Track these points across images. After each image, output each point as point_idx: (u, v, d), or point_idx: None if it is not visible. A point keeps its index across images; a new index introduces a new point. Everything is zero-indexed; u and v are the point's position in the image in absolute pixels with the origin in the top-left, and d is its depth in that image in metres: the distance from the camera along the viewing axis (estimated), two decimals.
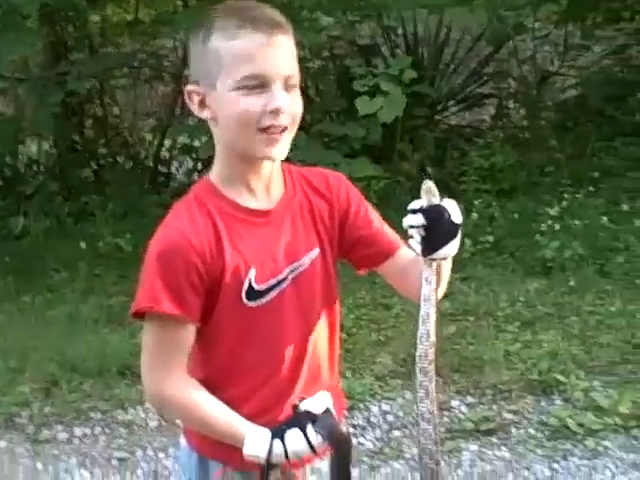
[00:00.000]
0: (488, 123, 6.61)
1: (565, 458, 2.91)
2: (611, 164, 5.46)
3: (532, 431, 3.05)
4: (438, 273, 1.41)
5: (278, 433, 1.38)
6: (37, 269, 4.62)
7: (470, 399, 3.25)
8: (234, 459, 1.43)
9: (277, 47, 1.37)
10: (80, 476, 2.95)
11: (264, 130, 1.36)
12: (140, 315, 1.39)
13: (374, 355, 3.53)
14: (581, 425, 3.02)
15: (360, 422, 3.16)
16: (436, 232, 1.38)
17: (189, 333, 1.41)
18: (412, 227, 1.38)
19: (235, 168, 1.43)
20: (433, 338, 1.38)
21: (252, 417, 1.42)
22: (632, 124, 6.00)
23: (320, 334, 1.50)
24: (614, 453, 2.90)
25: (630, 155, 5.53)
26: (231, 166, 1.43)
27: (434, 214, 1.37)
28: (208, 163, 1.37)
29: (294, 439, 1.37)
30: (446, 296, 4.02)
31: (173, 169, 6.20)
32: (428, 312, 1.39)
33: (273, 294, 1.43)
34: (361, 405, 3.23)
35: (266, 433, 1.38)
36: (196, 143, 5.61)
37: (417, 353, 1.38)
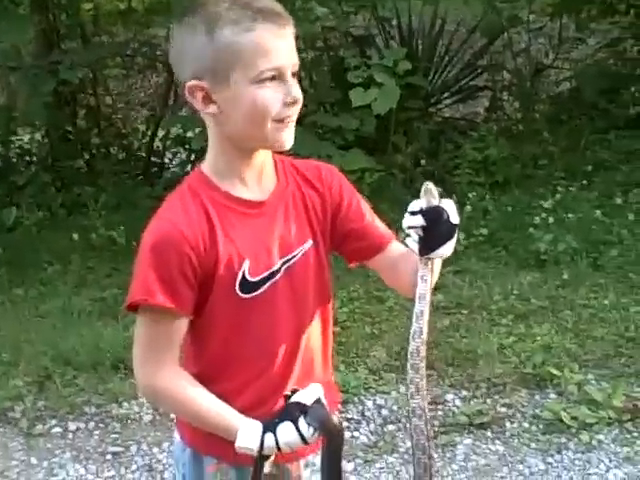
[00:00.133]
0: (482, 116, 6.60)
1: (559, 452, 2.92)
2: (605, 157, 5.47)
3: (526, 425, 3.07)
4: (433, 271, 1.43)
5: (270, 426, 1.38)
6: (30, 261, 4.59)
7: (464, 393, 3.26)
8: (227, 454, 1.44)
9: (288, 38, 1.37)
10: (74, 470, 2.95)
11: (279, 121, 1.37)
12: (134, 307, 1.39)
13: (368, 348, 3.53)
14: (575, 419, 3.03)
15: (354, 416, 3.17)
16: (434, 233, 1.40)
17: (182, 326, 1.41)
18: (411, 227, 1.40)
19: (229, 160, 1.42)
20: (425, 335, 1.40)
21: (245, 410, 1.42)
22: (626, 117, 6.01)
23: (313, 327, 1.50)
24: (608, 447, 2.92)
25: (623, 148, 5.55)
26: (225, 158, 1.42)
27: (433, 215, 1.39)
28: (201, 154, 1.37)
29: (286, 431, 1.37)
30: (440, 289, 4.05)
31: (166, 160, 6.17)
32: (422, 310, 1.41)
33: (266, 286, 1.43)
34: (355, 399, 3.24)
35: (258, 426, 1.39)
36: (189, 134, 5.59)
37: (409, 350, 1.40)
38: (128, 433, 3.12)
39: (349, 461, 2.93)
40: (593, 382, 3.23)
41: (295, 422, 1.37)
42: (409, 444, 2.91)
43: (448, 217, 1.40)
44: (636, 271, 4.08)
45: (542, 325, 3.63)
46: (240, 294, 1.41)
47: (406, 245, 1.44)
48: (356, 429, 3.10)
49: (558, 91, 6.82)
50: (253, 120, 1.37)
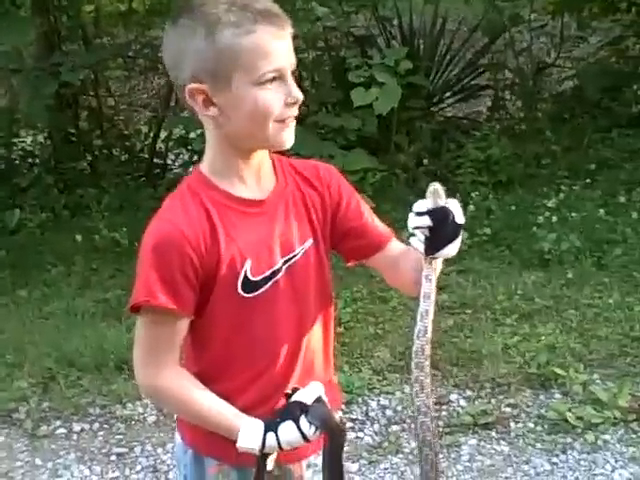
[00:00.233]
0: (484, 115, 6.59)
1: (565, 452, 2.91)
2: (608, 156, 5.46)
3: (531, 425, 3.06)
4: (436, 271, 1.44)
5: (271, 425, 1.39)
6: (33, 263, 4.59)
7: (469, 393, 3.25)
8: (229, 455, 1.44)
9: (287, 39, 1.38)
10: (79, 471, 2.94)
11: (281, 121, 1.38)
12: (136, 309, 1.39)
13: (372, 349, 3.52)
14: (580, 419, 3.02)
15: (359, 416, 3.16)
16: (440, 233, 1.40)
17: (183, 326, 1.41)
18: (417, 228, 1.40)
19: (228, 159, 1.42)
20: (430, 334, 1.41)
21: (247, 409, 1.42)
22: (628, 115, 6.01)
23: (314, 326, 1.50)
24: (614, 447, 2.91)
25: (627, 147, 5.54)
26: (224, 158, 1.42)
27: (440, 216, 1.40)
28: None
29: (287, 430, 1.38)
30: (443, 289, 4.04)
31: (169, 161, 6.16)
32: (427, 309, 1.42)
33: (268, 285, 1.43)
34: (359, 399, 3.23)
35: (260, 425, 1.39)
36: (192, 135, 5.58)
37: (414, 348, 1.41)
38: (132, 434, 3.11)
39: (353, 462, 2.92)
40: (598, 382, 3.22)
41: (296, 421, 1.37)
42: (414, 445, 2.96)
43: (454, 217, 1.41)
44: None
45: (546, 325, 3.62)
46: (242, 294, 1.41)
47: (409, 244, 1.45)
48: (360, 430, 3.10)
49: (560, 90, 6.81)
50: (255, 121, 1.37)
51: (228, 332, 1.44)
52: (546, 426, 3.04)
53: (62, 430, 3.17)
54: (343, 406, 3.19)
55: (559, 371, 3.25)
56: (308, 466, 1.55)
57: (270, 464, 1.42)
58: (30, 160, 6.02)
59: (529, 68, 6.48)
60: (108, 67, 6.53)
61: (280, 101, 1.37)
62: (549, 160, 5.48)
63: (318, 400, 1.40)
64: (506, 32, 6.25)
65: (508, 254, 4.39)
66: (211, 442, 1.46)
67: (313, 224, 1.50)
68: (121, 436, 3.12)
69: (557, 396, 3.18)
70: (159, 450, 3.01)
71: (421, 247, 1.42)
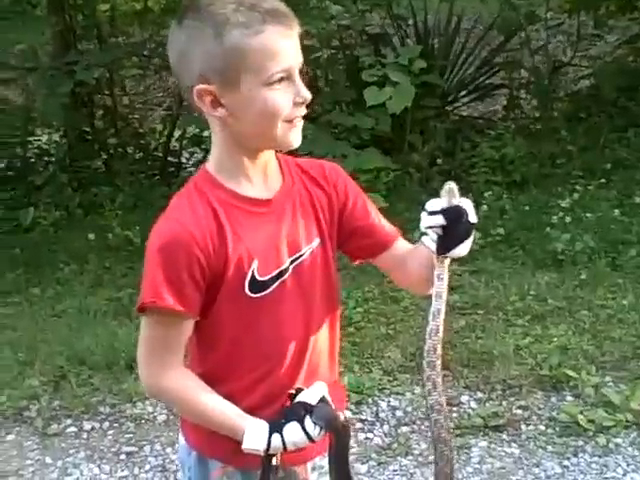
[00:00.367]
0: (499, 114, 6.55)
1: (576, 455, 2.89)
2: (624, 155, 5.41)
3: (542, 427, 3.04)
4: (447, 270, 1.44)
5: (276, 426, 1.38)
6: (47, 261, 4.61)
7: (479, 394, 3.23)
8: (233, 457, 1.44)
9: (294, 38, 1.37)
10: (88, 470, 2.96)
11: (289, 121, 1.37)
12: (143, 309, 1.39)
13: (383, 349, 3.51)
14: (592, 421, 2.99)
15: (368, 417, 3.15)
16: (453, 232, 1.41)
17: (189, 327, 1.41)
18: (430, 227, 1.40)
19: (234, 159, 1.42)
20: (441, 333, 1.42)
21: (252, 410, 1.42)
22: None
23: (321, 326, 1.50)
24: (626, 450, 2.89)
25: None
26: (230, 157, 1.42)
27: (454, 215, 1.40)
28: None
29: (292, 431, 1.38)
30: (456, 289, 4.02)
31: (183, 160, 6.18)
32: (439, 308, 1.43)
33: (275, 285, 1.43)
34: (369, 400, 3.22)
35: (264, 426, 1.39)
36: (206, 133, 5.59)
37: (425, 347, 1.42)
38: (142, 433, 3.12)
39: (363, 463, 2.91)
40: (610, 384, 3.19)
41: (301, 421, 1.38)
42: (423, 446, 2.95)
43: (467, 217, 1.41)
44: None
45: (559, 326, 3.59)
46: (249, 294, 1.41)
47: (420, 243, 1.45)
48: (370, 431, 3.09)
49: (576, 89, 6.76)
50: (264, 122, 1.36)
51: (234, 332, 1.43)
52: (557, 429, 3.01)
53: (72, 429, 3.18)
54: (352, 407, 3.19)
55: (571, 373, 3.22)
56: (313, 468, 1.55)
57: (274, 462, 1.41)
58: (45, 158, 6.06)
59: (545, 67, 6.44)
60: (123, 66, 6.55)
61: (289, 101, 1.36)
62: (564, 160, 5.44)
63: (322, 400, 1.40)
64: (522, 30, 6.21)
65: (521, 254, 4.35)
66: (215, 444, 1.45)
67: (320, 224, 1.49)
68: (131, 435, 3.13)
69: (569, 398, 3.15)
70: (168, 449, 3.01)
71: (433, 246, 1.42)
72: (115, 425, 3.19)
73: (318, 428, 1.38)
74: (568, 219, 4.53)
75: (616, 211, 4.61)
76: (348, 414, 3.12)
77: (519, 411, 3.12)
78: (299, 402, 1.40)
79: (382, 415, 3.16)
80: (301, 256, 1.46)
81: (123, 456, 3.02)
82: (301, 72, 1.40)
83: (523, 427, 3.05)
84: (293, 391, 1.43)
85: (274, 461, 1.41)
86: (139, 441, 3.09)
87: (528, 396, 3.18)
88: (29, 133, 6.05)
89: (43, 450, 3.06)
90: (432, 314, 1.42)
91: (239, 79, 1.33)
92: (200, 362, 1.47)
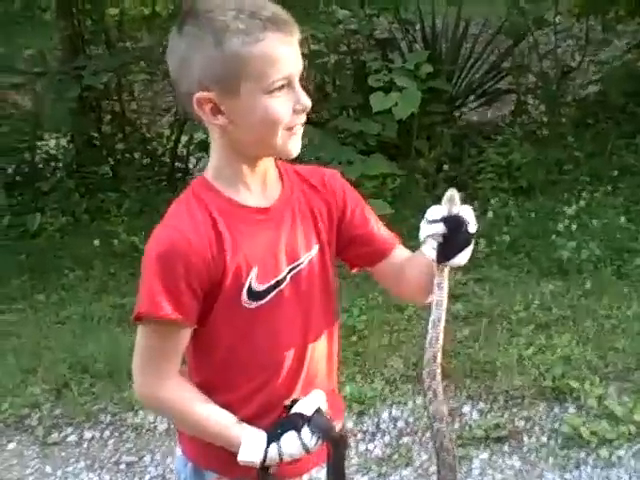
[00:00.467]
0: (507, 119, 6.52)
1: (578, 467, 2.86)
2: (631, 162, 5.37)
3: (544, 439, 3.01)
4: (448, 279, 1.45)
5: (274, 437, 1.38)
6: (52, 267, 4.63)
7: (481, 405, 3.21)
8: (229, 469, 1.43)
9: (295, 45, 1.37)
10: (88, 479, 2.96)
11: (289, 129, 1.37)
12: (139, 318, 1.38)
13: (385, 359, 3.49)
14: (594, 433, 2.96)
15: (370, 428, 3.14)
16: (454, 241, 1.40)
17: (185, 336, 1.40)
18: (431, 236, 1.40)
19: (233, 166, 1.41)
20: (441, 342, 1.43)
21: (249, 421, 1.41)
22: None
23: (319, 336, 1.49)
24: (628, 463, 2.85)
25: None
26: (229, 164, 1.41)
27: (454, 224, 1.40)
28: None
29: (290, 442, 1.37)
30: (459, 298, 3.99)
31: (190, 165, 6.18)
32: (439, 317, 1.43)
33: (273, 294, 1.42)
34: (371, 410, 3.21)
35: (262, 437, 1.38)
36: None
37: (425, 357, 1.43)
38: (142, 443, 3.12)
39: (363, 474, 2.91)
40: (614, 396, 3.16)
41: (299, 432, 1.37)
42: (424, 457, 2.93)
43: (467, 225, 1.40)
44: None
45: (563, 336, 3.56)
46: (247, 303, 1.40)
47: (421, 252, 1.44)
48: (371, 441, 3.08)
49: (584, 94, 6.72)
50: (264, 129, 1.36)
51: (231, 341, 1.42)
52: (559, 440, 2.99)
53: (73, 437, 3.19)
54: (354, 417, 3.18)
55: (574, 384, 3.19)
56: None
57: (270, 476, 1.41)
58: (53, 164, 6.07)
59: (553, 72, 6.40)
60: (131, 71, 6.56)
61: (289, 109, 1.36)
62: (571, 166, 5.40)
63: (318, 411, 1.40)
64: (530, 35, 6.18)
65: (527, 262, 4.33)
66: (211, 455, 1.45)
67: (319, 232, 1.49)
68: (131, 444, 3.13)
69: (571, 410, 3.13)
70: (168, 459, 3.01)
71: (433, 254, 1.41)
72: (116, 434, 3.19)
73: (315, 438, 1.38)
74: (574, 226, 4.50)
75: (622, 218, 4.58)
76: (349, 424, 3.12)
77: (521, 422, 3.10)
78: (296, 412, 1.40)
79: (383, 426, 3.15)
80: (299, 265, 1.45)
81: (123, 466, 3.02)
82: (302, 79, 1.39)
83: (525, 439, 3.02)
84: (288, 402, 1.42)
85: (270, 472, 1.40)
86: (139, 450, 3.09)
87: (530, 407, 3.16)
88: (37, 138, 6.06)
89: (43, 459, 3.07)
90: (432, 323, 1.43)
91: (239, 87, 1.33)
92: (197, 371, 1.46)
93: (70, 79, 5.33)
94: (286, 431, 1.38)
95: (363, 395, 3.24)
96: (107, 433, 3.20)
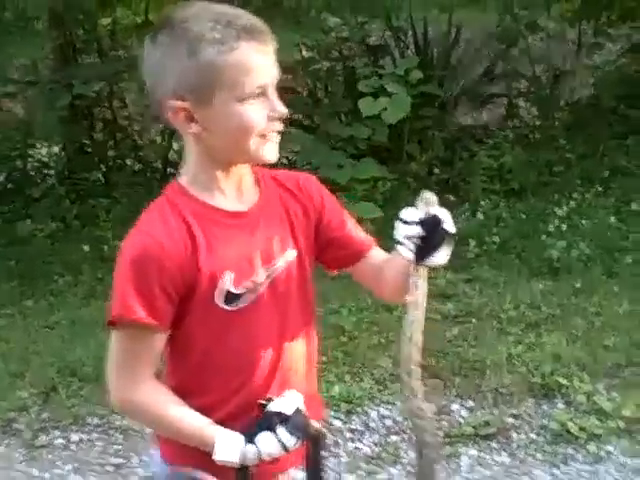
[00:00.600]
0: (499, 123, 6.53)
1: (566, 463, 2.85)
2: (622, 163, 5.38)
3: (533, 436, 3.00)
4: (426, 279, 1.44)
5: (250, 437, 1.37)
6: (42, 273, 4.62)
7: (471, 403, 3.20)
8: (206, 470, 1.42)
9: (270, 54, 1.37)
10: None
11: (263, 136, 1.37)
12: (113, 323, 1.37)
13: (374, 358, 3.48)
14: (583, 429, 2.96)
15: (358, 427, 3.13)
16: (431, 242, 1.40)
17: (160, 341, 1.39)
18: (408, 237, 1.40)
19: (208, 172, 1.41)
20: (418, 342, 1.42)
21: (225, 423, 1.40)
22: None
23: (296, 339, 1.48)
24: (617, 458, 2.85)
25: None
26: (204, 170, 1.41)
27: (431, 225, 1.39)
28: None
29: (267, 442, 1.36)
30: (450, 298, 3.98)
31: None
32: (416, 317, 1.43)
33: (248, 298, 1.41)
34: (359, 409, 3.19)
35: (238, 438, 1.37)
36: None
37: (402, 356, 1.43)
38: (130, 445, 3.10)
39: (351, 473, 2.89)
40: (603, 392, 3.15)
41: (275, 431, 1.36)
42: (412, 455, 2.89)
43: (443, 226, 1.40)
44: None
45: (552, 334, 3.55)
46: (222, 306, 1.39)
47: (398, 253, 1.43)
48: (359, 440, 3.06)
49: (577, 98, 6.73)
50: (238, 136, 1.36)
51: (207, 344, 1.41)
52: (548, 437, 2.98)
53: (60, 440, 3.17)
54: (342, 416, 3.17)
55: (563, 381, 3.19)
56: None
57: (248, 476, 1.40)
58: (45, 171, 6.08)
59: (546, 76, 6.42)
60: (123, 79, 6.57)
61: (263, 116, 1.36)
62: (562, 168, 5.41)
63: (296, 410, 1.39)
64: (523, 39, 6.20)
65: (517, 262, 4.32)
66: (187, 456, 1.43)
67: (296, 236, 1.48)
68: (119, 446, 3.11)
69: (560, 406, 3.12)
70: None
71: (411, 256, 1.41)
72: (104, 437, 3.17)
73: (294, 438, 1.36)
74: (564, 227, 4.50)
75: (613, 218, 4.58)
76: (337, 423, 3.11)
77: (510, 419, 3.09)
78: (273, 412, 1.39)
79: (372, 424, 3.13)
80: (276, 269, 1.44)
81: (110, 468, 3.00)
82: (285, 87, 1.39)
83: (514, 435, 3.01)
84: (263, 401, 1.41)
85: (249, 472, 1.39)
86: (127, 452, 3.07)
87: (519, 404, 3.15)
88: (29, 146, 6.07)
89: (30, 462, 3.05)
90: (409, 323, 1.42)
91: (213, 95, 1.33)
92: (173, 374, 1.45)
93: (61, 88, 5.35)
94: (263, 430, 1.37)
95: (352, 394, 3.24)
96: (95, 435, 3.18)
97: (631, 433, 2.93)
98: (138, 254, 1.34)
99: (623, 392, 3.12)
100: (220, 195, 1.41)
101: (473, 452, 2.95)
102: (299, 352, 1.49)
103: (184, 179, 1.43)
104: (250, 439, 1.36)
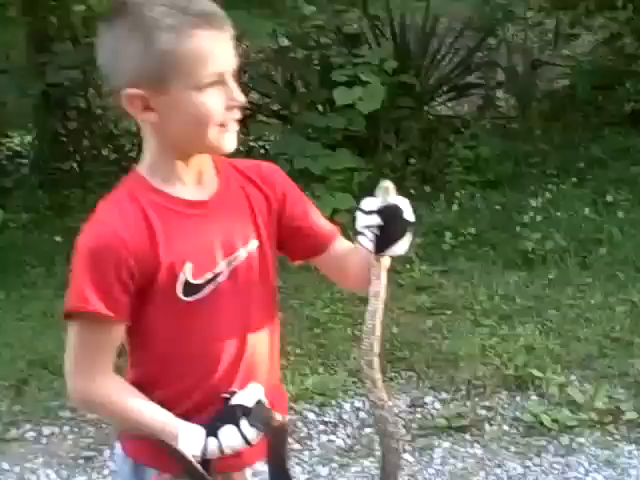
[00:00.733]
0: (476, 113, 6.53)
1: (539, 455, 2.87)
2: (598, 154, 5.40)
3: (506, 427, 3.01)
4: (387, 269, 1.44)
5: (212, 430, 1.35)
6: (14, 264, 4.56)
7: (444, 395, 3.21)
8: (170, 465, 1.39)
9: (228, 41, 1.34)
10: (45, 476, 2.91)
11: (222, 125, 1.35)
12: (71, 316, 1.35)
13: (348, 350, 3.47)
14: (556, 421, 2.97)
15: (332, 419, 3.12)
16: (390, 231, 1.39)
17: (118, 333, 1.37)
18: (367, 227, 1.38)
19: (167, 162, 1.38)
20: (378, 332, 1.42)
21: (188, 416, 1.38)
22: (621, 114, 5.94)
23: (259, 331, 1.46)
24: (588, 450, 2.87)
25: (617, 145, 5.48)
26: (163, 160, 1.38)
27: (390, 214, 1.38)
28: None
29: (228, 435, 1.35)
30: (425, 290, 3.97)
31: None
32: (376, 308, 1.42)
33: (209, 288, 1.39)
34: (333, 402, 3.19)
35: (199, 431, 1.35)
36: None
37: (363, 347, 1.42)
38: (102, 438, 3.07)
39: (324, 465, 2.89)
40: (576, 384, 3.17)
41: (238, 424, 1.34)
42: None
43: (403, 214, 1.39)
44: (624, 270, 4.02)
45: (526, 325, 3.57)
46: (182, 297, 1.37)
47: (359, 243, 1.42)
48: (333, 433, 3.06)
49: (554, 88, 6.75)
50: (195, 126, 1.33)
51: (168, 335, 1.40)
52: (521, 429, 2.99)
53: (32, 433, 3.13)
54: (316, 408, 3.16)
55: (536, 373, 3.20)
56: (254, 474, 1.51)
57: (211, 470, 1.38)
58: (18, 160, 6.00)
59: (523, 66, 6.42)
60: (97, 67, 6.49)
61: (221, 105, 1.33)
62: (539, 159, 5.43)
63: (259, 402, 1.38)
64: (500, 29, 6.20)
65: (492, 254, 4.34)
66: (151, 451, 1.41)
67: (257, 225, 1.46)
68: (90, 439, 3.08)
69: (533, 398, 3.13)
70: None
71: (370, 246, 1.40)
72: (75, 430, 3.14)
73: (255, 431, 1.35)
74: (539, 218, 4.51)
75: (587, 210, 4.60)
76: (311, 416, 3.10)
77: (483, 411, 3.09)
78: (235, 405, 1.37)
79: (345, 417, 3.13)
80: (236, 259, 1.42)
81: (81, 461, 2.97)
82: (234, 76, 1.37)
83: (487, 427, 3.02)
84: (227, 395, 1.40)
85: (210, 465, 1.38)
86: (99, 446, 3.04)
87: (493, 396, 3.16)
88: (1, 135, 5.99)
89: (1, 455, 3.01)
90: (370, 313, 1.42)
91: (169, 84, 1.30)
92: (136, 367, 1.44)
93: (33, 75, 5.28)
94: (225, 423, 1.35)
95: (325, 387, 3.23)
96: (66, 429, 3.15)
97: (603, 425, 2.95)
98: (94, 244, 1.33)
99: (595, 384, 3.13)
100: (179, 184, 1.39)
101: (446, 444, 2.95)
102: (263, 343, 1.47)
103: (143, 169, 1.40)
104: (212, 432, 1.35)
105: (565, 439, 2.90)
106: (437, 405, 3.15)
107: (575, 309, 3.69)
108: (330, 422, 3.11)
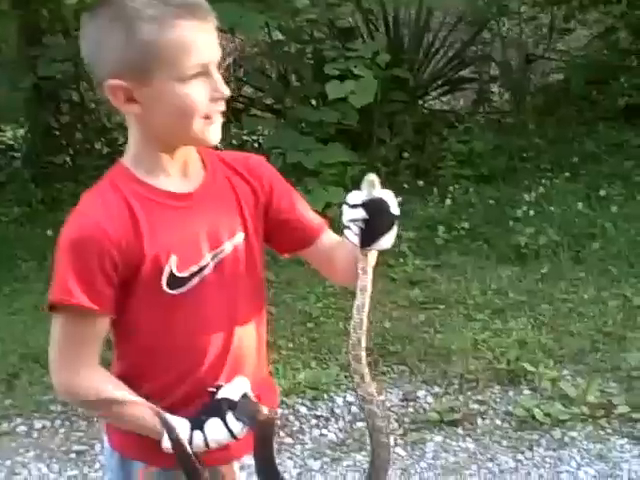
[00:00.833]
0: (470, 108, 6.53)
1: (531, 449, 2.86)
2: (592, 149, 5.40)
3: (498, 422, 3.01)
4: (373, 263, 1.43)
5: (197, 423, 1.35)
6: (5, 258, 4.54)
7: (436, 389, 3.20)
8: (156, 459, 1.40)
9: (212, 32, 1.33)
10: (37, 469, 2.90)
11: (206, 117, 1.33)
12: (54, 308, 1.34)
13: (340, 345, 3.46)
14: (548, 415, 2.97)
15: (324, 413, 3.11)
16: (375, 225, 1.38)
17: (103, 326, 1.36)
18: (352, 220, 1.38)
19: (152, 154, 1.38)
20: (365, 327, 1.42)
21: (174, 410, 1.38)
22: (615, 108, 5.94)
23: (246, 324, 1.46)
24: (580, 444, 2.86)
25: (611, 140, 5.48)
26: (148, 152, 1.38)
27: (375, 208, 1.37)
28: None
29: (214, 428, 1.35)
30: (418, 284, 3.96)
31: None
32: (363, 302, 1.42)
33: (195, 281, 1.38)
34: (325, 396, 3.18)
35: (185, 424, 1.35)
36: None
37: (350, 341, 1.42)
38: (93, 432, 3.06)
39: (316, 459, 2.88)
40: (568, 378, 3.17)
41: (223, 418, 1.34)
42: None
43: (388, 208, 1.38)
44: (617, 264, 4.02)
45: (519, 320, 3.57)
46: (167, 290, 1.36)
47: (345, 237, 1.41)
48: (325, 427, 3.05)
49: (548, 82, 6.75)
50: (179, 118, 1.32)
51: (153, 328, 1.39)
52: (513, 423, 2.99)
53: (23, 427, 3.12)
54: (308, 402, 3.16)
55: (529, 367, 3.20)
56: (242, 468, 1.51)
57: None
58: (10, 154, 5.98)
59: (517, 60, 6.42)
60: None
61: (205, 97, 1.32)
62: (533, 153, 5.43)
63: (244, 396, 1.38)
64: (494, 23, 6.19)
65: (485, 248, 4.33)
66: (137, 445, 1.41)
67: (244, 218, 1.45)
68: (82, 433, 3.07)
69: (526, 392, 3.13)
70: None
71: (356, 240, 1.39)
72: (67, 423, 3.13)
73: (241, 424, 1.35)
74: (532, 212, 4.51)
75: (581, 204, 4.60)
76: (303, 410, 3.10)
77: (476, 405, 3.09)
78: (221, 398, 1.37)
79: (337, 411, 3.12)
80: (222, 251, 1.41)
81: (73, 455, 2.96)
82: (218, 68, 1.36)
83: (479, 421, 3.02)
84: (214, 389, 1.39)
85: (197, 459, 1.37)
86: (90, 440, 3.03)
87: (485, 390, 3.15)
88: None
89: None
90: (357, 308, 1.41)
91: (152, 75, 1.29)
92: (120, 360, 1.43)
93: (25, 68, 5.25)
94: (210, 417, 1.35)
95: (318, 381, 3.22)
96: (58, 422, 3.13)
97: (595, 419, 2.95)
98: (77, 236, 1.32)
99: (587, 378, 3.13)
100: (164, 176, 1.38)
101: (438, 438, 2.94)
102: (250, 336, 1.47)
103: (127, 160, 1.39)
104: (197, 425, 1.35)
105: (557, 433, 2.90)
106: (429, 399, 3.14)
107: (568, 303, 3.69)
108: (322, 416, 3.10)
